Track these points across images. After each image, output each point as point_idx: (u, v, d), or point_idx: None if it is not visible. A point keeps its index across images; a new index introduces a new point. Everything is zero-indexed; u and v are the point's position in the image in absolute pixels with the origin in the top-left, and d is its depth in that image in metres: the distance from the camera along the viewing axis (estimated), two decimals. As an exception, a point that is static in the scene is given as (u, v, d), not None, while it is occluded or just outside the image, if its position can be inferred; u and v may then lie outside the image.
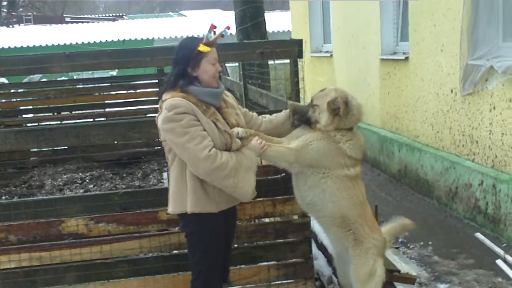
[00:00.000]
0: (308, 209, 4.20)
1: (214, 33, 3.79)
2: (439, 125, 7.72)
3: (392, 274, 4.70)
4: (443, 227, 6.83)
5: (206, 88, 3.76)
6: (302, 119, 4.08)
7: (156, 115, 3.81)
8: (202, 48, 3.71)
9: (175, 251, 4.64)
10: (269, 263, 4.75)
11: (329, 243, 5.22)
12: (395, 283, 4.76)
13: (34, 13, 45.90)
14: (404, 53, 8.88)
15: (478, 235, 6.38)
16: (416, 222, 6.91)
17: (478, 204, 6.65)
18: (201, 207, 3.71)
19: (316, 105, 4.03)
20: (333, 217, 4.06)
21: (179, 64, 3.75)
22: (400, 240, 6.40)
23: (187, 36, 3.98)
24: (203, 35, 3.83)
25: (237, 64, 11.24)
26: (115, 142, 4.33)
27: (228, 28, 3.93)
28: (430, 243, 6.32)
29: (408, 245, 6.29)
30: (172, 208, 3.83)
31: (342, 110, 3.94)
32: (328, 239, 4.44)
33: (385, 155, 9.40)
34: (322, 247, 5.47)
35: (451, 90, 7.32)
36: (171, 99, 3.63)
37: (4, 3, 47.71)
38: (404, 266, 5.44)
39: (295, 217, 4.85)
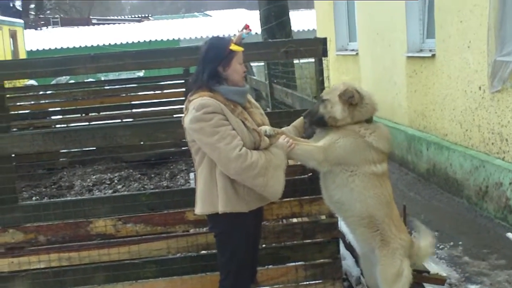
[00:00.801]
0: (335, 208, 4.18)
1: (248, 32, 3.81)
2: (468, 123, 7.63)
3: (422, 275, 4.64)
4: (473, 227, 6.74)
5: (233, 87, 3.75)
6: (314, 118, 4.04)
7: (182, 115, 3.80)
8: (234, 47, 3.72)
9: (202, 252, 4.64)
10: (297, 263, 4.72)
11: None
12: (425, 284, 4.70)
13: (61, 15, 46.40)
14: (430, 51, 8.80)
15: (509, 235, 6.30)
16: (445, 222, 6.90)
17: (509, 203, 6.56)
18: (232, 207, 3.70)
19: (326, 99, 4.00)
20: (361, 216, 4.03)
21: (211, 63, 3.72)
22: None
23: (213, 36, 3.97)
24: (234, 34, 3.83)
25: (262, 63, 11.23)
26: (141, 142, 4.34)
27: (248, 27, 3.92)
28: (460, 243, 6.25)
29: (438, 245, 6.22)
30: (201, 209, 3.81)
31: (356, 97, 3.95)
32: (354, 240, 4.39)
33: (413, 154, 9.31)
34: (350, 247, 5.43)
35: (479, 87, 7.23)
36: (199, 99, 3.62)
37: (32, 6, 48.28)
38: (434, 267, 5.35)
39: (323, 217, 4.82)
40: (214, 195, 3.71)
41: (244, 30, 3.84)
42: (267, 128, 3.80)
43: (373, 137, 3.98)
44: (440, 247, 6.18)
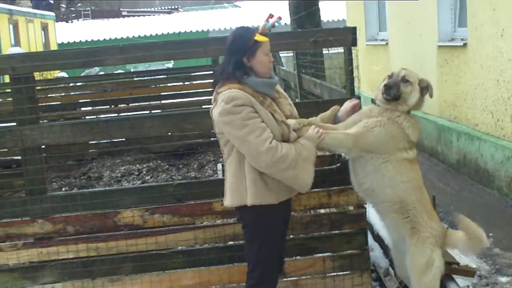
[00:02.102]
0: (365, 195, 4.14)
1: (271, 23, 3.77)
2: (500, 113, 7.50)
3: (451, 267, 4.58)
4: (504, 218, 6.64)
5: (261, 78, 3.72)
6: (394, 94, 3.94)
7: (211, 106, 3.78)
8: (259, 37, 3.67)
9: (230, 242, 4.63)
10: (325, 254, 4.70)
11: (385, 234, 5.14)
12: (454, 276, 4.63)
13: (92, 8, 46.79)
14: (462, 39, 8.66)
15: (541, 226, 6.19)
16: (475, 213, 6.79)
17: (541, 194, 6.44)
18: (261, 199, 3.68)
19: (409, 81, 3.97)
20: (392, 202, 3.98)
21: (235, 54, 3.69)
22: (459, 231, 6.24)
23: (239, 26, 3.93)
24: (258, 25, 3.80)
25: (291, 54, 11.18)
26: (169, 133, 4.35)
27: (280, 18, 3.88)
28: (490, 234, 6.15)
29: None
30: (231, 201, 3.80)
31: (430, 91, 3.99)
32: (384, 228, 4.34)
33: (443, 144, 9.19)
34: (378, 239, 5.38)
35: (512, 77, 7.10)
36: (228, 91, 3.59)
37: (63, -1, 48.74)
38: (464, 259, 5.28)
39: (351, 208, 4.78)
40: (243, 187, 3.69)
41: (270, 20, 3.79)
42: (292, 121, 3.76)
43: (411, 130, 3.96)
44: (471, 239, 6.09)
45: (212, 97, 3.81)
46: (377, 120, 3.93)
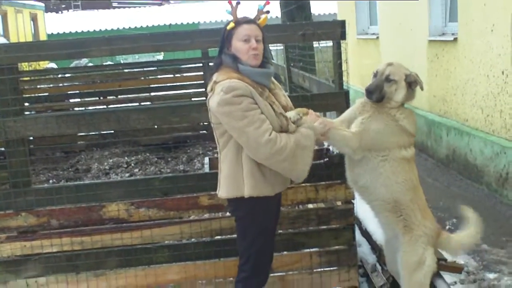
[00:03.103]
0: (359, 191, 4.11)
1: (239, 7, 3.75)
2: (489, 108, 7.48)
3: (439, 263, 4.54)
4: (492, 214, 6.62)
5: (257, 69, 3.67)
6: (379, 95, 3.89)
7: (207, 97, 3.71)
8: (228, 26, 3.68)
9: (216, 237, 4.59)
10: (312, 250, 4.66)
11: (373, 230, 5.11)
12: (442, 272, 4.61)
13: (82, -2, 46.51)
14: (452, 34, 8.64)
15: (530, 222, 6.18)
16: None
17: (529, 190, 6.43)
18: (259, 191, 3.64)
19: (393, 80, 3.90)
20: (385, 201, 3.95)
21: (219, 44, 3.74)
22: (447, 227, 6.23)
23: None
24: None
25: (281, 47, 11.12)
26: (155, 126, 4.29)
27: (268, 3, 3.83)
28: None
29: (456, 232, 6.11)
30: (226, 192, 3.73)
31: (420, 84, 3.94)
32: (379, 224, 4.31)
33: (433, 139, 9.18)
34: (366, 234, 5.36)
35: (502, 72, 7.07)
36: (228, 81, 3.53)
37: (53, -11, 48.43)
38: (451, 254, 5.27)
39: (338, 203, 4.75)
40: (240, 178, 3.65)
41: (234, 6, 3.76)
42: (292, 113, 3.71)
43: (406, 121, 3.92)
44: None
45: (208, 87, 3.74)
46: (372, 115, 3.89)
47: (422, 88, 3.99)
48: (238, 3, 3.72)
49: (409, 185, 3.96)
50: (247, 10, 4.16)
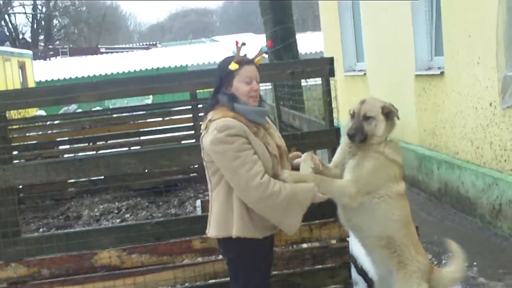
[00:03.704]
0: (352, 230, 4.06)
1: (244, 48, 3.72)
2: (479, 141, 7.50)
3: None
4: (487, 247, 6.57)
5: (252, 107, 3.65)
6: (362, 137, 3.86)
7: (201, 135, 3.67)
8: (231, 66, 3.63)
9: (210, 281, 4.52)
10: (308, 290, 4.60)
11: (369, 268, 5.05)
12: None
13: (70, 45, 46.87)
14: (439, 68, 8.70)
15: (526, 253, 6.13)
16: (459, 242, 6.72)
17: (524, 221, 6.40)
18: (247, 233, 3.59)
19: (371, 117, 3.87)
20: (379, 237, 3.91)
21: (216, 83, 3.71)
22: (443, 262, 6.17)
23: (227, 56, 3.86)
24: (233, 51, 3.75)
25: (270, 86, 11.18)
26: (146, 170, 4.27)
27: (270, 44, 3.83)
28: (475, 263, 6.08)
29: (443, 267, 6.05)
30: (216, 232, 3.68)
31: (395, 113, 3.91)
32: (371, 262, 4.26)
33: (424, 173, 9.17)
34: (362, 272, 5.30)
35: (490, 104, 7.11)
36: (223, 119, 3.52)
37: (41, 37, 48.81)
38: (449, 289, 5.21)
39: (333, 241, 4.70)
40: (229, 218, 3.60)
41: (239, 47, 3.74)
42: (286, 175, 3.64)
43: (391, 151, 3.89)
44: (455, 268, 6.02)
45: (202, 125, 3.71)
46: (362, 155, 3.86)
47: (398, 118, 3.94)
48: (243, 44, 3.72)
49: (404, 222, 3.93)
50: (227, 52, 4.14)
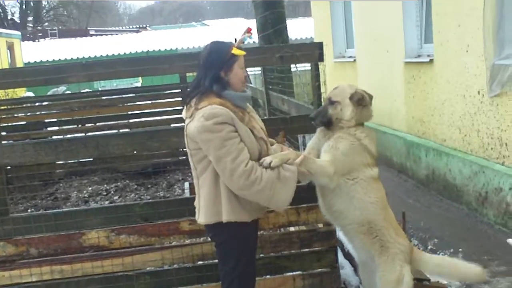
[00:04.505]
0: (333, 218, 4.08)
1: (250, 36, 3.73)
2: (467, 128, 7.55)
3: (422, 283, 4.54)
4: (473, 233, 6.64)
5: (239, 92, 3.67)
6: (324, 120, 3.95)
7: (183, 124, 3.70)
8: (236, 51, 3.62)
9: (198, 262, 4.55)
10: (295, 273, 4.64)
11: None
12: (425, 292, 4.60)
13: (59, 27, 46.50)
14: (428, 56, 8.73)
15: (510, 241, 6.20)
16: (445, 229, 6.81)
17: (509, 209, 6.47)
18: (236, 216, 3.62)
19: (336, 102, 3.92)
20: (360, 223, 3.94)
21: (213, 68, 3.61)
22: (429, 247, 6.24)
23: (213, 40, 3.84)
24: (235, 38, 3.75)
25: (259, 71, 11.18)
26: (134, 152, 4.28)
27: (249, 30, 3.85)
28: (460, 250, 6.15)
29: (438, 252, 6.12)
30: (205, 218, 3.70)
31: (367, 100, 3.93)
32: (353, 249, 4.30)
33: (412, 160, 9.23)
34: (348, 256, 5.34)
35: (478, 92, 7.16)
36: (210, 107, 3.51)
37: (30, 18, 48.38)
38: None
39: (320, 225, 4.73)
40: (218, 204, 3.62)
41: (246, 34, 3.76)
42: (268, 160, 3.65)
43: (367, 140, 3.93)
44: (440, 254, 6.08)
45: (185, 113, 3.71)
46: (336, 137, 3.90)
47: (370, 104, 3.97)
48: (251, 31, 3.73)
49: (381, 204, 3.96)
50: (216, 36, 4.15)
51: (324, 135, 3.99)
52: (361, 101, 3.92)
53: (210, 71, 3.62)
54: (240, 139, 3.53)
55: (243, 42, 3.78)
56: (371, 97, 3.99)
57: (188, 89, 3.82)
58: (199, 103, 3.58)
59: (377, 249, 3.97)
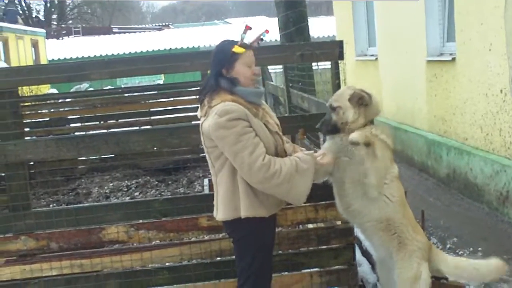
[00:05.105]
0: (350, 216, 4.07)
1: (249, 33, 3.74)
2: (489, 127, 7.49)
3: (440, 282, 4.52)
4: (493, 233, 6.60)
5: (251, 88, 3.69)
6: (329, 128, 3.95)
7: (201, 121, 3.72)
8: (236, 49, 3.65)
9: (216, 258, 4.57)
10: (312, 270, 4.64)
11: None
12: (443, 291, 4.57)
13: (83, 25, 46.88)
14: (450, 54, 8.68)
15: (531, 240, 6.15)
16: (465, 228, 6.77)
17: (530, 208, 6.41)
18: (254, 211, 3.64)
19: (337, 107, 3.92)
20: (379, 220, 3.93)
21: (216, 66, 3.69)
22: (448, 246, 6.21)
23: (223, 40, 3.90)
24: (242, 36, 3.77)
25: (280, 69, 11.18)
26: (155, 148, 4.33)
27: (267, 31, 3.85)
28: (480, 249, 6.12)
29: (457, 251, 6.10)
30: (223, 214, 3.73)
31: (366, 98, 3.89)
32: (371, 246, 4.29)
33: (433, 159, 9.18)
34: (366, 253, 5.33)
35: (501, 91, 7.10)
36: (222, 104, 3.54)
37: (54, 16, 48.84)
38: (453, 273, 5.24)
39: (338, 222, 4.73)
40: (237, 200, 3.65)
41: (249, 31, 3.77)
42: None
43: (384, 136, 3.92)
44: (460, 253, 6.05)
45: (200, 111, 3.75)
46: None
47: (369, 103, 3.91)
48: (250, 29, 3.75)
49: (401, 202, 3.96)
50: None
51: (340, 137, 3.97)
52: (361, 100, 3.89)
53: (215, 69, 3.70)
54: (255, 134, 3.56)
55: (261, 40, 3.79)
56: (370, 95, 3.93)
57: (200, 88, 3.86)
58: (212, 101, 3.62)
59: (395, 245, 3.97)
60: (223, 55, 3.68)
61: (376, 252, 4.27)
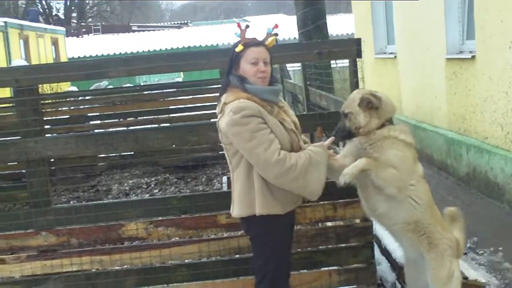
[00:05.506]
0: (377, 219, 4.06)
1: (244, 31, 3.77)
2: (509, 126, 7.43)
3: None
4: (514, 232, 6.55)
5: (264, 86, 3.71)
6: (344, 134, 3.93)
7: (217, 119, 3.76)
8: (237, 48, 3.72)
9: (235, 256, 4.59)
10: (331, 268, 4.64)
11: (393, 248, 5.07)
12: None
13: (103, 23, 47.16)
14: (470, 52, 8.61)
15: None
16: (485, 227, 6.72)
17: (551, 208, 6.36)
18: (269, 209, 3.66)
19: (349, 113, 3.90)
20: (406, 223, 3.91)
21: (228, 65, 3.80)
22: (468, 245, 6.17)
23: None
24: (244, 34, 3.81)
25: (299, 67, 11.17)
26: (174, 146, 4.35)
27: (276, 26, 3.88)
28: (500, 249, 6.07)
29: (477, 251, 6.06)
30: (239, 211, 3.75)
31: (374, 101, 3.86)
32: (401, 247, 4.27)
33: (453, 157, 9.12)
34: (385, 252, 5.32)
35: (521, 89, 7.04)
36: (237, 101, 3.58)
37: (74, 14, 49.19)
38: (473, 273, 5.19)
39: (357, 221, 4.73)
40: (252, 197, 3.67)
41: (243, 30, 3.79)
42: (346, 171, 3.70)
43: (404, 135, 3.89)
44: (480, 252, 6.02)
45: (217, 109, 3.78)
46: (379, 148, 3.86)
47: (378, 105, 3.86)
48: (247, 26, 3.77)
49: (428, 204, 3.94)
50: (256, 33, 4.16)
51: (359, 140, 3.95)
52: (371, 104, 3.86)
53: (227, 67, 3.81)
54: (271, 131, 3.57)
55: (276, 41, 3.83)
56: (378, 97, 3.89)
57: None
58: (227, 98, 3.67)
59: (425, 246, 3.96)
60: (231, 54, 3.77)
61: (406, 253, 4.24)
